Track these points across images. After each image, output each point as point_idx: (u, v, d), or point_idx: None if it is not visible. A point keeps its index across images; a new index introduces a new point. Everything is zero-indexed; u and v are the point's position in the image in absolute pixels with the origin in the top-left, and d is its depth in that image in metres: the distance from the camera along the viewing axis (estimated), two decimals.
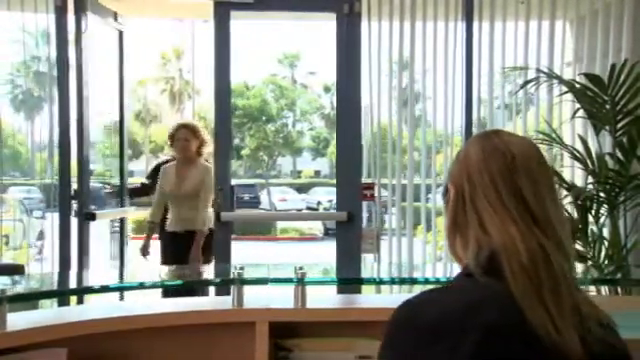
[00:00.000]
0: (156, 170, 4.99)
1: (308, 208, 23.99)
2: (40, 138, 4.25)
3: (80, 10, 4.09)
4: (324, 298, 1.86)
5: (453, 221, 1.08)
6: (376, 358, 1.00)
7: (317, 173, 32.07)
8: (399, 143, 4.42)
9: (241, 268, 1.68)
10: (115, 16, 4.71)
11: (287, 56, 30.56)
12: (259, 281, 1.70)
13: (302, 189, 27.88)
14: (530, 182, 1.03)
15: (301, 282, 1.65)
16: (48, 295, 1.61)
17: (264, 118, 27.26)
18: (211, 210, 4.41)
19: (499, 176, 1.03)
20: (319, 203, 23.11)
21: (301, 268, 1.70)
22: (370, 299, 2.03)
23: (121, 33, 4.86)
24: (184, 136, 4.58)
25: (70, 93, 4.11)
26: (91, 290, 1.65)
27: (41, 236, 5.48)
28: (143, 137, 30.76)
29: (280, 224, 18.58)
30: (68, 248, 4.12)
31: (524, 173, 1.03)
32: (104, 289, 1.59)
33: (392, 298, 1.91)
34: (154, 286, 1.68)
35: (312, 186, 27.30)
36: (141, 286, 1.65)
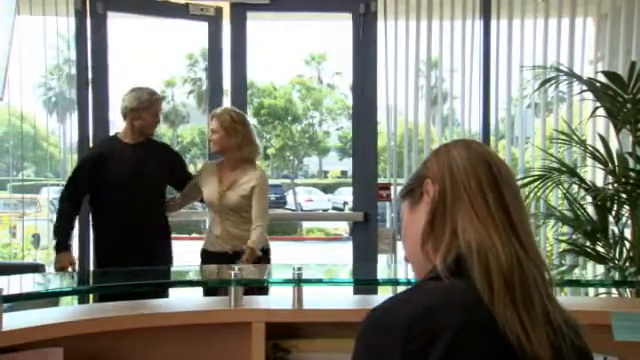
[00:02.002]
0: (96, 159, 3.56)
1: (334, 208, 23.97)
2: (71, 139, 4.35)
3: (97, 11, 4.14)
4: (332, 299, 1.86)
5: (431, 222, 1.07)
6: None
7: (344, 173, 32.04)
8: (416, 142, 4.40)
9: (238, 269, 1.68)
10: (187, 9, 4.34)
11: (314, 57, 30.63)
12: (256, 282, 1.70)
13: (328, 189, 27.89)
14: (512, 194, 1.06)
15: (298, 283, 1.65)
16: (42, 296, 1.64)
17: (290, 118, 27.35)
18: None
19: (486, 182, 1.05)
20: (345, 203, 23.08)
21: (299, 269, 1.69)
22: (380, 300, 2.01)
23: (213, 24, 4.36)
24: (212, 128, 3.54)
25: (102, 95, 4.18)
26: (78, 291, 1.67)
27: None
28: (171, 138, 31.11)
29: (305, 224, 18.64)
30: (87, 248, 4.18)
31: (507, 185, 1.06)
32: (95, 290, 1.60)
33: None
34: (148, 286, 1.70)
35: (338, 186, 27.29)
36: (134, 287, 1.66)
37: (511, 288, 0.97)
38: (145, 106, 3.53)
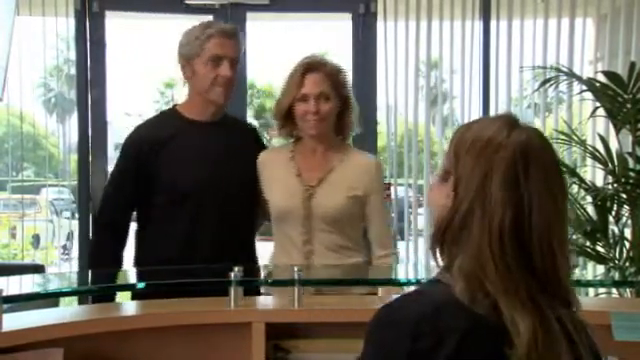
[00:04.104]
0: (132, 154, 2.26)
1: None
2: (70, 140, 4.34)
3: (93, 10, 4.12)
4: (332, 299, 1.86)
5: (443, 231, 1.03)
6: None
7: None
8: (415, 142, 4.40)
9: (238, 269, 1.68)
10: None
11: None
12: (257, 282, 1.70)
13: None
14: (540, 228, 0.98)
15: (298, 283, 1.65)
16: (42, 296, 1.63)
17: None
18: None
19: (510, 217, 0.98)
20: None
21: (299, 269, 1.69)
22: (379, 300, 2.01)
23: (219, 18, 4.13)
24: (320, 90, 2.16)
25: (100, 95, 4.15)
26: (77, 292, 1.67)
27: (70, 237, 5.61)
28: None
29: None
30: (86, 249, 4.17)
31: (537, 210, 0.99)
32: (95, 290, 1.60)
33: None
34: (148, 287, 1.69)
35: None
36: (136, 288, 1.66)
37: (534, 349, 0.93)
38: (195, 50, 2.13)
